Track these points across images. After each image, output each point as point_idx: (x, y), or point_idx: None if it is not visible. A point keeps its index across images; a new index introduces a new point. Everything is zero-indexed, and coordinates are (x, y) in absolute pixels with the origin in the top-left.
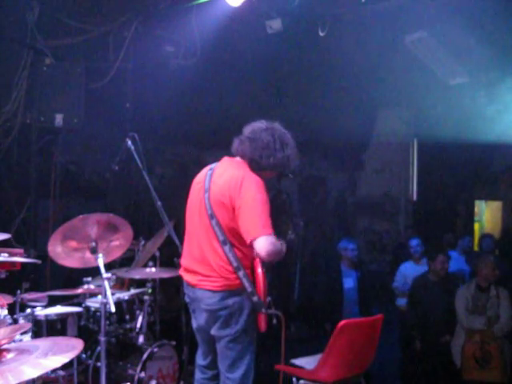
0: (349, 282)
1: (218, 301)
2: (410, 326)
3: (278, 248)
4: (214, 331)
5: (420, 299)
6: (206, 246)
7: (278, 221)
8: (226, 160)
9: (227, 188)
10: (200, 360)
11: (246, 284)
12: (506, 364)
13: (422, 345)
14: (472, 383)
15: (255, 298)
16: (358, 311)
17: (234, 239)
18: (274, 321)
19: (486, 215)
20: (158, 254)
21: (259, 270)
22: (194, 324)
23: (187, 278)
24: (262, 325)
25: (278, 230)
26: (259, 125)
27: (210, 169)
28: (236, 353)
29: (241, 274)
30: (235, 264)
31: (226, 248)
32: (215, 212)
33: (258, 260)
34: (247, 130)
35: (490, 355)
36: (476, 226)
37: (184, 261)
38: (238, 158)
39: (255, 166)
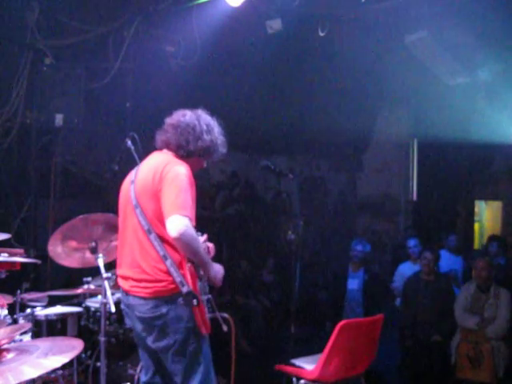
0: (353, 284)
1: (150, 308)
2: (402, 325)
3: (191, 234)
4: (151, 343)
5: (412, 298)
6: (135, 245)
7: (278, 221)
8: (153, 154)
9: (150, 173)
10: (142, 375)
11: (175, 274)
12: (496, 365)
13: (416, 344)
14: (465, 382)
15: (185, 288)
16: (362, 313)
17: (159, 228)
18: (225, 328)
19: (486, 215)
20: None
21: (187, 264)
22: (134, 333)
23: (121, 283)
24: (202, 326)
25: (278, 230)
26: (181, 112)
27: (137, 167)
28: (184, 365)
29: (168, 263)
30: (161, 253)
31: (152, 237)
32: (139, 201)
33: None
34: (168, 119)
35: (483, 356)
36: (476, 226)
37: (118, 269)
38: (164, 150)
39: (182, 152)
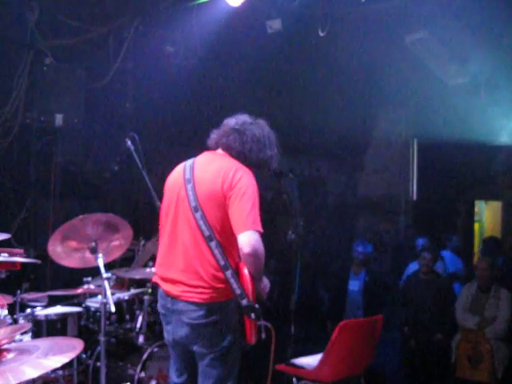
0: (354, 285)
1: (203, 315)
2: (401, 323)
3: (262, 251)
4: (196, 348)
5: (411, 297)
6: (191, 250)
7: (278, 221)
8: (207, 153)
9: (217, 177)
10: (174, 377)
11: (234, 285)
12: (495, 366)
13: (416, 343)
14: (464, 381)
15: (245, 301)
16: (362, 315)
17: (221, 235)
18: (263, 335)
19: (486, 215)
20: None
21: (245, 272)
22: (169, 337)
23: (166, 287)
24: (252, 336)
25: (278, 229)
26: (245, 118)
27: (190, 164)
28: (220, 372)
29: (228, 273)
30: (222, 262)
31: (212, 244)
32: (201, 204)
33: (242, 263)
34: (231, 121)
35: (482, 356)
36: (476, 226)
37: (160, 269)
38: (219, 151)
39: (242, 160)
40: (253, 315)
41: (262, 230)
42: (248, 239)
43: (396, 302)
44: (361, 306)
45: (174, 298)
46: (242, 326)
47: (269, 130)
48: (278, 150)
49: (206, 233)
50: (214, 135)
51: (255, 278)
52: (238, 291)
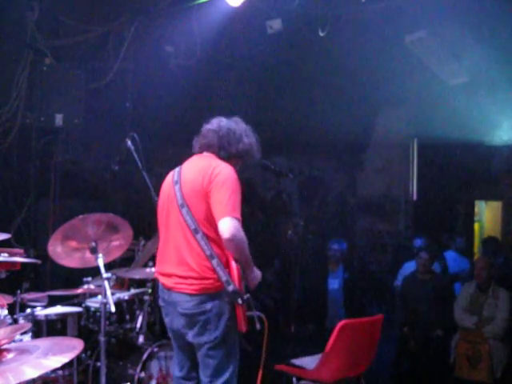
0: (334, 283)
1: (195, 305)
2: (400, 324)
3: (242, 236)
4: (191, 338)
5: (409, 297)
6: (181, 244)
7: (278, 221)
8: (194, 157)
9: (199, 175)
10: (176, 371)
11: (220, 273)
12: (494, 365)
13: (414, 342)
14: (463, 381)
15: (231, 287)
16: (344, 313)
17: (206, 227)
18: (258, 326)
19: (486, 215)
20: None
21: (233, 262)
22: (169, 330)
23: (163, 280)
24: (243, 324)
25: (279, 230)
26: (219, 118)
27: (178, 169)
28: (217, 361)
29: (214, 262)
30: (208, 252)
31: (198, 236)
32: (186, 201)
33: (230, 253)
34: (207, 125)
35: (481, 355)
36: (476, 226)
37: (159, 266)
38: (205, 153)
39: (224, 153)
40: (239, 300)
41: (240, 218)
42: (227, 225)
43: (393, 302)
44: (342, 304)
45: (169, 290)
46: (234, 317)
47: (245, 125)
48: (256, 140)
49: (192, 226)
50: (195, 141)
51: (242, 265)
52: (223, 278)
